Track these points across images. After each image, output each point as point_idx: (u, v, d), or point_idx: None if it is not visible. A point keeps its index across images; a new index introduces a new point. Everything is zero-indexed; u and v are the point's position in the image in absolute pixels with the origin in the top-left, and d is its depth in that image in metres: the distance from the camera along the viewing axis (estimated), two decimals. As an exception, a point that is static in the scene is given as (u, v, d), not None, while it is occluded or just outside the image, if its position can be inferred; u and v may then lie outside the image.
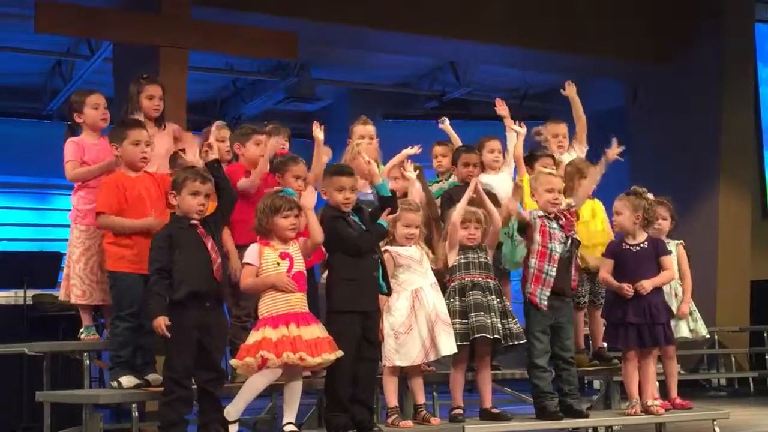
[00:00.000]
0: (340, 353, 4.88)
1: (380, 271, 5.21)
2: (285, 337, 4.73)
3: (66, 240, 5.78)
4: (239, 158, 5.83)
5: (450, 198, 6.18)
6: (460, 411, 5.53)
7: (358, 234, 5.14)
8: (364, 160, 5.53)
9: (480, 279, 5.56)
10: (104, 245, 5.37)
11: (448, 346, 5.31)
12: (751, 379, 11.31)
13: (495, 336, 5.43)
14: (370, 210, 5.35)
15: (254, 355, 4.70)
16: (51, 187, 13.62)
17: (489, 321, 5.43)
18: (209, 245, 4.83)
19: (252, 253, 4.92)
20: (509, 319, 5.56)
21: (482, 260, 5.62)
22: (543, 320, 5.67)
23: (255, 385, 4.82)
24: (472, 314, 5.43)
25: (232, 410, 4.84)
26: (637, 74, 12.56)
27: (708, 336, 6.51)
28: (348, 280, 5.09)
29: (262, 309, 4.89)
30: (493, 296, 5.54)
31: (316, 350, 4.77)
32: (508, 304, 5.68)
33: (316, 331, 4.85)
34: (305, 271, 5.04)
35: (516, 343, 5.55)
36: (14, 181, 13.54)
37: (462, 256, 5.59)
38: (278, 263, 4.87)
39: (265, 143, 5.82)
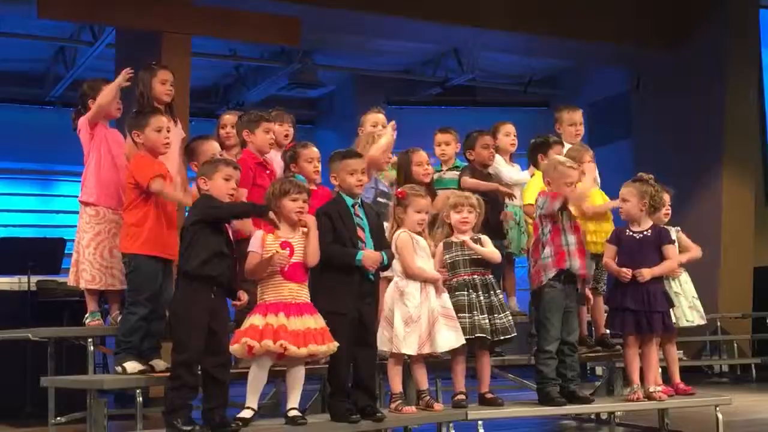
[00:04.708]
0: (333, 345, 4.86)
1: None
2: (269, 326, 4.73)
3: (69, 226, 5.77)
4: (247, 145, 5.81)
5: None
6: (462, 396, 5.53)
7: (331, 240, 5.02)
8: None
9: (466, 277, 5.52)
10: (122, 230, 5.37)
11: (447, 341, 5.25)
12: (753, 365, 11.35)
13: (476, 335, 5.40)
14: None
15: (239, 341, 4.74)
16: (54, 173, 13.65)
17: (472, 320, 5.40)
18: (229, 232, 4.91)
19: (256, 240, 4.92)
20: (497, 315, 5.50)
21: (467, 257, 5.54)
22: (559, 305, 5.66)
23: (254, 375, 4.84)
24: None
25: (248, 406, 4.82)
26: (641, 60, 12.54)
27: (703, 323, 6.49)
28: (324, 283, 5.06)
29: (258, 296, 4.91)
30: (480, 293, 5.49)
31: (303, 341, 4.74)
32: (500, 297, 5.60)
33: (308, 322, 4.82)
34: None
35: (503, 338, 5.53)
36: (17, 167, 13.56)
37: (447, 256, 5.55)
38: (278, 252, 4.87)
39: (274, 131, 5.86)
